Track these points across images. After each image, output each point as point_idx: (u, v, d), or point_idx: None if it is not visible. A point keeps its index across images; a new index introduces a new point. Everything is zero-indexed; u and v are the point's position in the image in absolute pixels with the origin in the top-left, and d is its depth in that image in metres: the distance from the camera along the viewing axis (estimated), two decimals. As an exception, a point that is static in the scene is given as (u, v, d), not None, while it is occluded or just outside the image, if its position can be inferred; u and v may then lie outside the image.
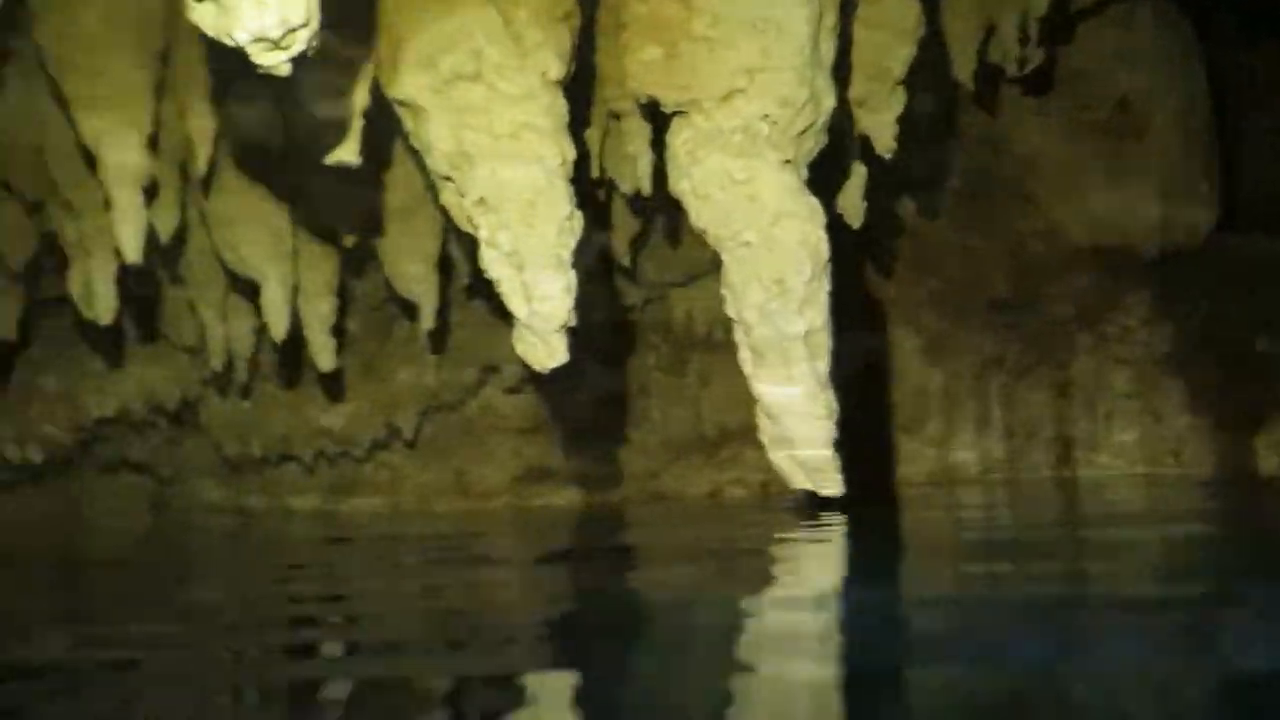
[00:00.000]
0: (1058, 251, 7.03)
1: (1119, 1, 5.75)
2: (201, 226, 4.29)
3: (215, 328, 4.75)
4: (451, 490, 6.24)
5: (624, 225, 4.90)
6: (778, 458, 2.97)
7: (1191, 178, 6.69)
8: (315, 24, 1.84)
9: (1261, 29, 8.12)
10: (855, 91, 3.72)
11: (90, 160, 3.59)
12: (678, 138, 3.06)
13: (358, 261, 4.70)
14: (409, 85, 2.84)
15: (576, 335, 2.84)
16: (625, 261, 5.25)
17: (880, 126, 3.79)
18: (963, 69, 4.79)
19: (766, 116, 2.99)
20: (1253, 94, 8.06)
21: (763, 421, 2.96)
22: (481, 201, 2.80)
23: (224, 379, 5.27)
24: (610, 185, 4.33)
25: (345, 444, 6.09)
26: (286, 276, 4.11)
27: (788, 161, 3.01)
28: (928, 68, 4.89)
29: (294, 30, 1.81)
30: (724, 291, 3.05)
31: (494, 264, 2.79)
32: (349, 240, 4.39)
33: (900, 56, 3.71)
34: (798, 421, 2.92)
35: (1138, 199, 6.75)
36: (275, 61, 1.84)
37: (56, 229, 4.36)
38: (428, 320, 4.57)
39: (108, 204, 3.49)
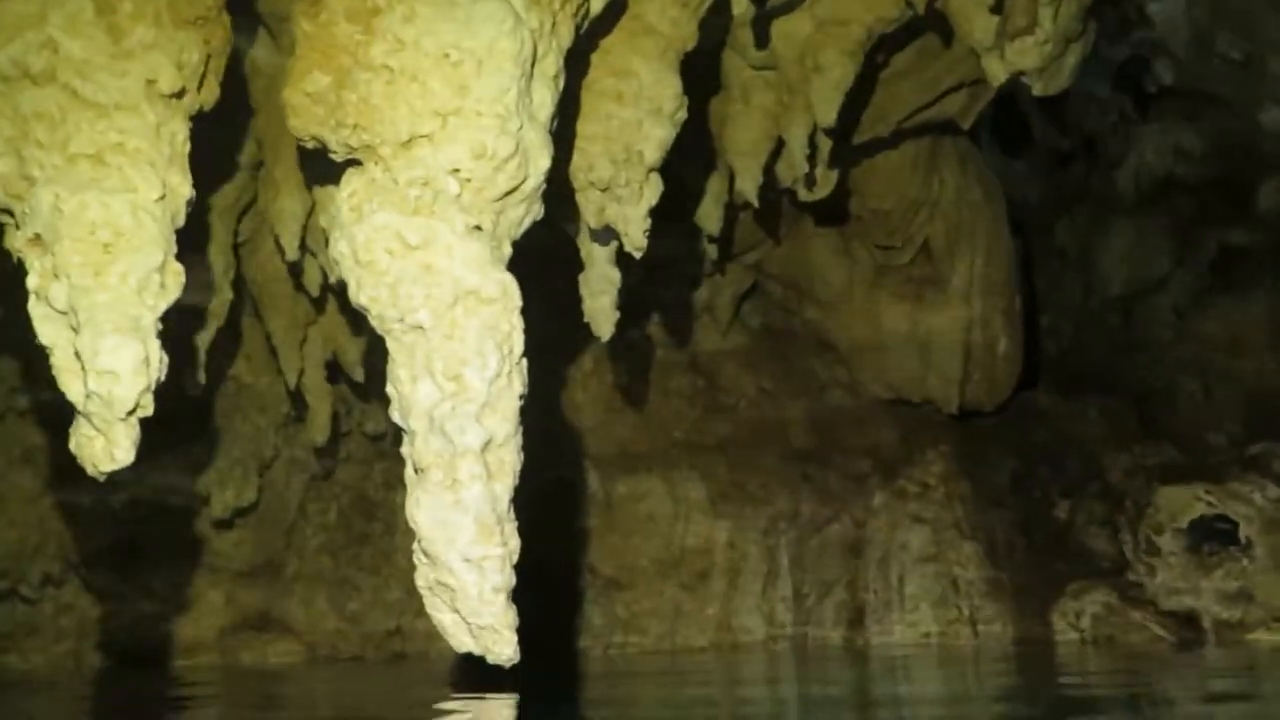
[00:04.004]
0: (858, 402, 6.64)
1: (917, 137, 5.45)
2: None
3: None
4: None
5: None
6: (436, 610, 2.23)
7: (992, 332, 6.41)
8: None
9: (1064, 196, 8.18)
10: (597, 174, 3.14)
11: None
12: (344, 190, 2.39)
13: None
14: (-46, 79, 2.10)
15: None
16: (356, 375, 4.49)
17: (629, 220, 3.20)
18: (746, 182, 4.32)
19: (456, 171, 2.35)
20: (1057, 257, 8.03)
21: (418, 556, 2.22)
22: (37, 240, 2.05)
23: None
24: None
25: None
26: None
27: (478, 228, 2.37)
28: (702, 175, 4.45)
29: None
30: (389, 390, 2.35)
31: (43, 325, 2.03)
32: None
33: (654, 139, 3.15)
34: (463, 562, 2.19)
35: (938, 351, 6.42)
36: None
37: None
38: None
39: None
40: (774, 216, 5.34)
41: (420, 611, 5.42)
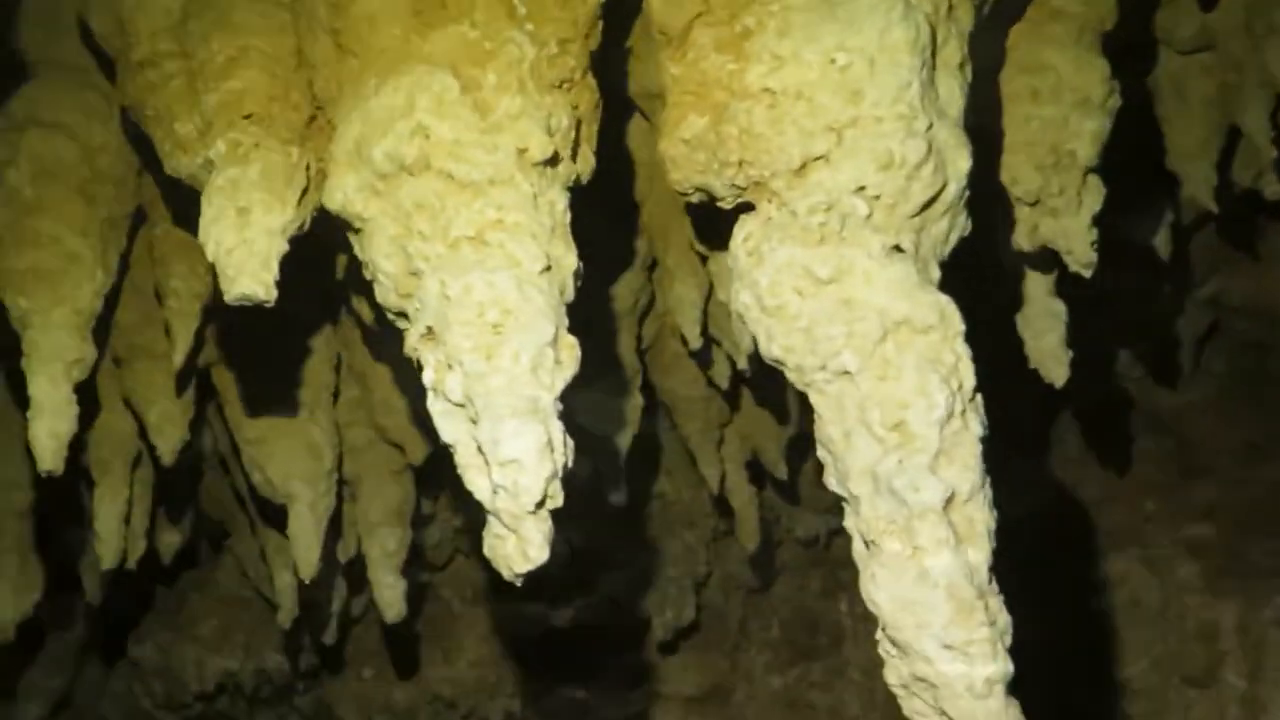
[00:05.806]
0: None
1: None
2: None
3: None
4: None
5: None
6: (916, 713, 1.80)
7: None
8: None
9: None
10: (1024, 187, 2.68)
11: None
12: (738, 237, 2.11)
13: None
14: (340, 188, 2.05)
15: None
16: (779, 473, 4.19)
17: (1070, 233, 2.70)
18: (1198, 187, 3.65)
19: (862, 189, 2.00)
20: None
21: (885, 647, 1.81)
22: (429, 333, 1.91)
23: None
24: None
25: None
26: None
27: (898, 249, 1.99)
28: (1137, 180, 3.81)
29: None
30: (820, 454, 1.99)
31: (443, 421, 1.87)
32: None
33: (1087, 133, 2.65)
34: (942, 650, 1.75)
35: None
36: None
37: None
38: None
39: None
40: (1245, 228, 4.51)
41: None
